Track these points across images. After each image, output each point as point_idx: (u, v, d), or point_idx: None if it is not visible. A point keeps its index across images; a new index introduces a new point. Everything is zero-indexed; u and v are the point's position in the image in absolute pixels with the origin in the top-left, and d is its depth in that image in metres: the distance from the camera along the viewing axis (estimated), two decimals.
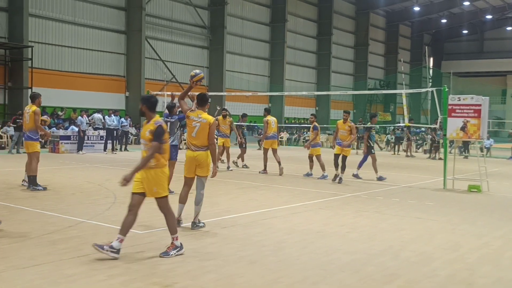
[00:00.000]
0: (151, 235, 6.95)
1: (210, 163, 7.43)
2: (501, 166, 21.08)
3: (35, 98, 11.11)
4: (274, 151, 15.36)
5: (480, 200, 11.39)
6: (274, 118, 15.81)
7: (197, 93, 7.88)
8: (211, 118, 7.43)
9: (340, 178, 13.48)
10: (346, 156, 13.54)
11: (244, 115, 18.10)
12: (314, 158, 14.85)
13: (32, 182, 10.66)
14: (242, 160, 17.16)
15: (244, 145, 17.25)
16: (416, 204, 10.41)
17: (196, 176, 7.47)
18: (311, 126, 15.05)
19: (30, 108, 10.99)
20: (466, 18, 57.60)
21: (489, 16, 56.38)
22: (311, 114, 15.77)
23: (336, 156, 13.74)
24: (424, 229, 8.01)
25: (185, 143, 13.90)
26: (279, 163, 15.15)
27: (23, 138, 11.74)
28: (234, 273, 5.42)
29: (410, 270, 5.75)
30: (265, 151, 15.61)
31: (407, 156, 25.82)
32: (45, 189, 10.64)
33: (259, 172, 15.46)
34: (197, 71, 7.91)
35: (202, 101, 7.61)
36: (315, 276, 5.43)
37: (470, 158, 23.93)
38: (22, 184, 11.17)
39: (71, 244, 6.32)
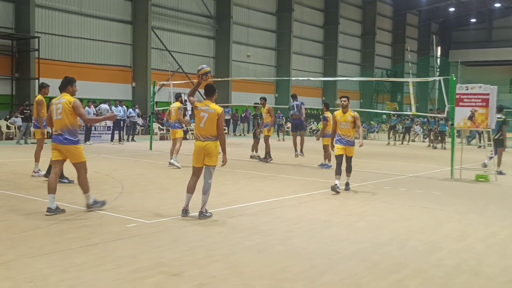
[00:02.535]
0: (158, 225, 6.99)
1: (219, 152, 7.45)
2: (509, 156, 20.95)
3: (41, 88, 11.16)
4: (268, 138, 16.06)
5: (487, 190, 11.35)
6: None
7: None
8: (219, 109, 7.44)
9: (347, 184, 10.65)
10: (351, 157, 10.57)
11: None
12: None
13: (49, 170, 10.70)
14: (256, 151, 16.85)
15: (258, 135, 16.75)
16: (423, 194, 10.39)
17: (204, 166, 7.50)
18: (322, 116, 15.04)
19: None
20: (474, 7, 57.05)
21: (497, 5, 55.84)
22: (324, 103, 15.15)
23: (339, 158, 10.43)
24: (431, 218, 8.00)
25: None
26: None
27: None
28: (241, 262, 5.45)
29: (417, 259, 5.75)
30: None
31: (433, 147, 25.29)
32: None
33: (268, 161, 15.55)
34: (203, 65, 7.98)
35: (209, 91, 7.62)
36: (322, 265, 5.45)
37: (473, 148, 23.82)
38: (32, 175, 11.23)
39: (79, 234, 6.37)
